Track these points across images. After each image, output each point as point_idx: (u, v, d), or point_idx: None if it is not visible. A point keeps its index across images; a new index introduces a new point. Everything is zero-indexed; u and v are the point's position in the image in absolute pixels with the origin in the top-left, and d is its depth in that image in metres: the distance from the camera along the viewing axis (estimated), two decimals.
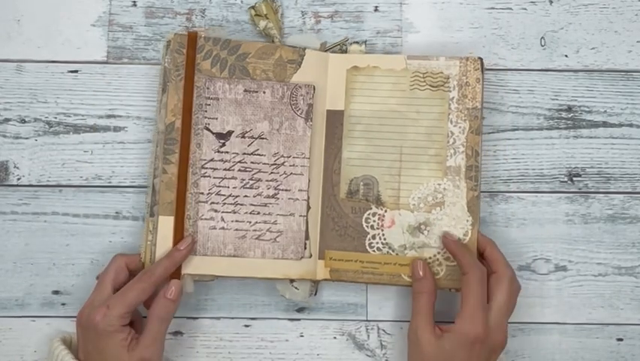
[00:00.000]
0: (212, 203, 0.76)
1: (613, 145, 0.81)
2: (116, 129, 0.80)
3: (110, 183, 0.80)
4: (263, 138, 0.77)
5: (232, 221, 0.76)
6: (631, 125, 0.81)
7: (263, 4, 0.80)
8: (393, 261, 0.77)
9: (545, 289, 0.79)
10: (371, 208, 0.77)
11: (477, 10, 0.82)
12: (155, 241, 0.75)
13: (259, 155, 0.77)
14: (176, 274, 0.74)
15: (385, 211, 0.77)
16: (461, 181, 0.77)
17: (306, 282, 0.77)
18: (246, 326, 0.79)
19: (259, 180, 0.77)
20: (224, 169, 0.76)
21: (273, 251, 0.76)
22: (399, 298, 0.79)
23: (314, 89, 0.77)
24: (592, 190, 0.80)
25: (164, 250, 0.75)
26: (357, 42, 0.80)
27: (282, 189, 0.77)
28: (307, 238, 0.77)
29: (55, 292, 0.79)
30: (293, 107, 0.77)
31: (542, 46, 0.82)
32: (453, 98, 0.77)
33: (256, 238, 0.76)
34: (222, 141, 0.77)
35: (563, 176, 0.80)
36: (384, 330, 0.79)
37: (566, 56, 0.82)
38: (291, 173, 0.77)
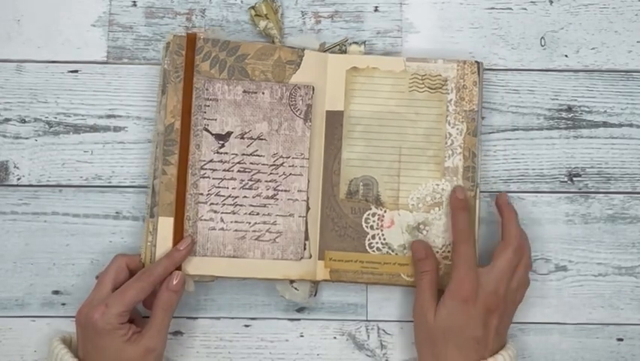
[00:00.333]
0: (212, 204, 0.76)
1: (613, 145, 0.80)
2: (116, 129, 0.80)
3: (110, 183, 0.80)
4: (262, 139, 0.77)
5: (231, 222, 0.76)
6: (631, 125, 0.81)
7: (263, 5, 0.80)
8: (392, 261, 0.77)
9: (545, 289, 0.79)
10: (370, 209, 0.77)
11: (477, 10, 0.82)
12: (155, 242, 0.75)
13: (258, 156, 0.77)
14: None
15: (385, 212, 0.77)
16: (459, 182, 0.77)
17: (306, 283, 0.77)
18: (246, 326, 0.79)
19: (258, 180, 0.77)
20: (224, 170, 0.76)
21: (273, 252, 0.76)
22: (399, 298, 0.79)
23: (313, 89, 0.77)
24: (592, 190, 0.80)
25: (164, 250, 0.75)
26: (356, 42, 0.80)
27: (282, 190, 0.77)
28: (307, 238, 0.77)
29: (55, 292, 0.79)
30: (292, 107, 0.77)
31: (542, 46, 0.81)
32: (451, 100, 0.77)
33: (256, 239, 0.76)
34: (221, 142, 0.77)
35: (563, 176, 0.80)
36: (384, 330, 0.79)
37: (566, 56, 0.81)
38: (291, 173, 0.77)
